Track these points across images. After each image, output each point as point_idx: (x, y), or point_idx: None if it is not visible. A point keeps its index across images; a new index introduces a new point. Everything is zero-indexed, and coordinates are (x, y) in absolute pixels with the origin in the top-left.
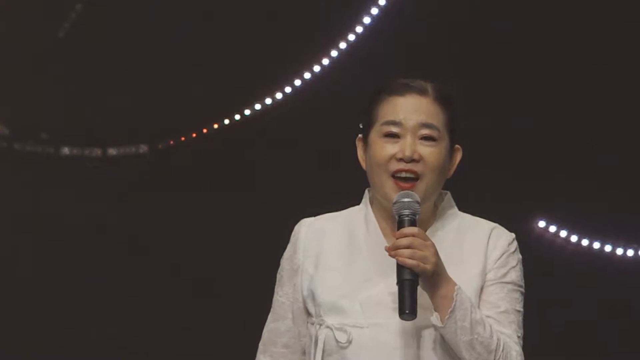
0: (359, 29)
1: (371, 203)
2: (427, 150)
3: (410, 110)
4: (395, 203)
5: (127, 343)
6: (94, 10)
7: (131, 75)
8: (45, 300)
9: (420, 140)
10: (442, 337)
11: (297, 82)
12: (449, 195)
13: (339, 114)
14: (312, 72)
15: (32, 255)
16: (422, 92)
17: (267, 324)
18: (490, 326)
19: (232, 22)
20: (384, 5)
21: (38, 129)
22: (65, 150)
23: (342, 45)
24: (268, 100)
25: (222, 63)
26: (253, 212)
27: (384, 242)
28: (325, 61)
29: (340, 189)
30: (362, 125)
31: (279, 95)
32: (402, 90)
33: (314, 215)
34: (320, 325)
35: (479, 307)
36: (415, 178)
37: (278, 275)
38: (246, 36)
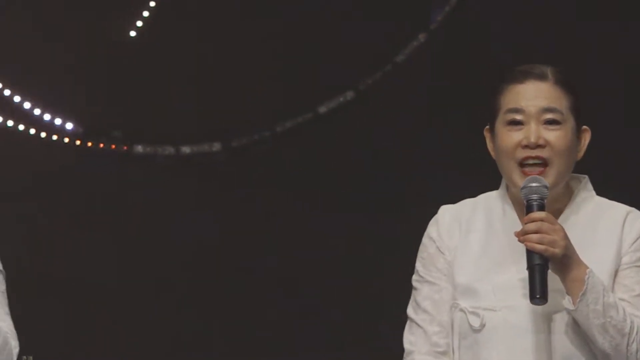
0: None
1: (507, 189)
2: (552, 135)
3: (531, 96)
4: (523, 188)
5: (203, 340)
6: (173, 7)
7: (205, 72)
8: (124, 297)
9: (544, 125)
10: (575, 321)
11: (371, 80)
12: (586, 179)
13: (413, 109)
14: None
15: (104, 253)
16: (541, 77)
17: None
18: (624, 309)
19: (306, 21)
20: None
21: (111, 126)
22: (139, 148)
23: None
24: (341, 98)
25: (296, 60)
26: (323, 212)
27: (519, 227)
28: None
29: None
30: (488, 116)
31: (350, 94)
32: (522, 77)
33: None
34: (455, 308)
35: (613, 290)
36: (544, 164)
37: (420, 257)
38: (319, 34)
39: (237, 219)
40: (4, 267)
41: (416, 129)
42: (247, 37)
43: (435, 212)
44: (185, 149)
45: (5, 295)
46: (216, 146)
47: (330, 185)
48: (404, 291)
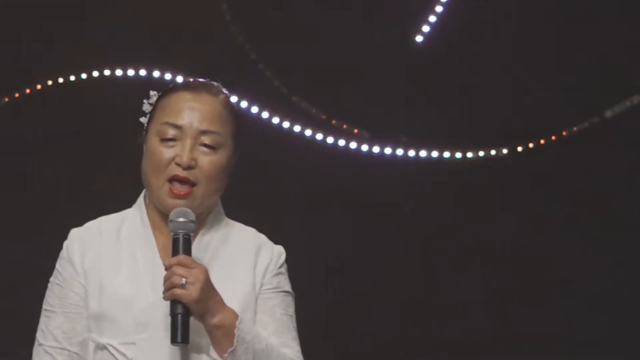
0: None
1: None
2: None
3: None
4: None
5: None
6: (458, 12)
7: (489, 77)
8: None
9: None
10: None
11: None
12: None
13: None
14: None
15: (385, 258)
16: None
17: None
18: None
19: (587, 23)
20: None
21: (398, 131)
22: (425, 154)
23: None
24: (627, 102)
25: (581, 63)
26: (610, 215)
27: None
28: None
29: None
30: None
31: (637, 99)
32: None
33: None
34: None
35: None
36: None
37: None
38: (603, 36)
39: (524, 224)
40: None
41: None
42: (530, 41)
43: None
44: (472, 154)
45: (293, 318)
46: (503, 151)
47: (618, 189)
48: None
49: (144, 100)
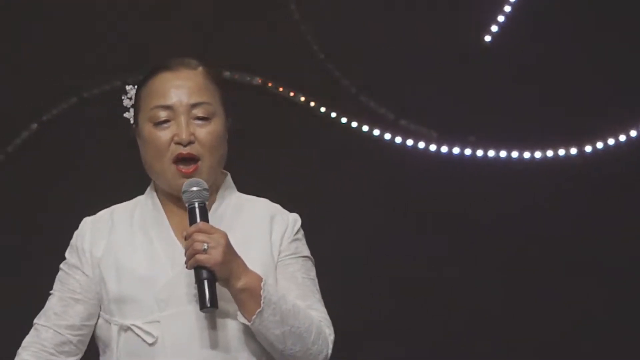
0: None
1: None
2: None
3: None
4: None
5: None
6: (527, 12)
7: (557, 77)
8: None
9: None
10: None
11: None
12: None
13: None
14: None
15: (452, 256)
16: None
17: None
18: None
19: None
20: None
21: (466, 131)
22: (493, 153)
23: None
24: None
25: None
26: None
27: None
28: None
29: None
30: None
31: None
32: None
33: None
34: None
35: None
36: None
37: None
38: None
39: (594, 224)
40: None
41: None
42: (598, 40)
43: None
44: (540, 154)
45: (315, 282)
46: (572, 151)
47: None
48: None
49: (123, 97)
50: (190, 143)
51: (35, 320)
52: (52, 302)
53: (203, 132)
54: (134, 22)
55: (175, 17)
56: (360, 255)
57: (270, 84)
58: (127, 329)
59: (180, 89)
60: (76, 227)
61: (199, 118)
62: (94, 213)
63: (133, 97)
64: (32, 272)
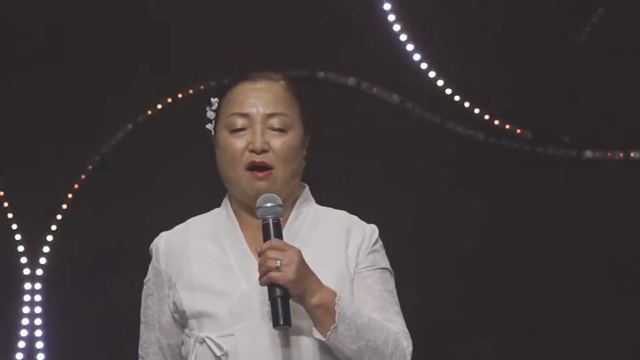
0: None
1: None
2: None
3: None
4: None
5: None
6: (623, 10)
7: None
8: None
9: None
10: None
11: None
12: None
13: None
14: None
15: (553, 260)
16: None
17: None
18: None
19: None
20: None
21: (561, 132)
22: (588, 154)
23: None
24: None
25: None
26: None
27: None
28: None
29: None
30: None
31: None
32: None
33: None
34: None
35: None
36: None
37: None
38: None
39: None
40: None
41: None
42: None
43: None
44: (636, 154)
45: (393, 293)
46: None
47: None
48: None
49: (207, 108)
50: (264, 152)
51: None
52: (141, 330)
53: (278, 142)
54: (228, 24)
55: (267, 17)
56: (463, 256)
57: (364, 84)
58: (202, 341)
59: (259, 98)
60: (165, 227)
61: (274, 129)
62: (184, 213)
63: (216, 108)
64: (124, 272)
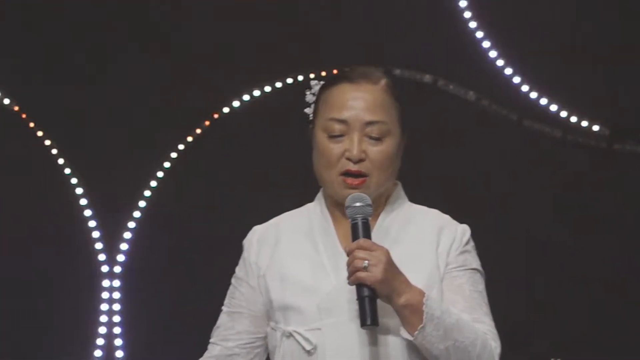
0: None
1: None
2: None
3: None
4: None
5: None
6: None
7: None
8: None
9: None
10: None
11: None
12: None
13: None
14: None
15: (623, 255)
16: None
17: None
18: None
19: None
20: None
21: (638, 129)
22: None
23: None
24: None
25: None
26: None
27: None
28: None
29: None
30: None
31: None
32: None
33: None
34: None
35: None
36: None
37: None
38: None
39: None
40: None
41: None
42: None
43: None
44: None
45: (483, 294)
46: None
47: None
48: None
49: (306, 91)
50: (360, 160)
51: (210, 339)
52: (222, 319)
53: (374, 150)
54: (312, 20)
55: (348, 15)
56: (534, 252)
57: (440, 82)
58: (289, 335)
59: (358, 104)
60: (251, 221)
61: (372, 137)
62: (272, 204)
63: (316, 93)
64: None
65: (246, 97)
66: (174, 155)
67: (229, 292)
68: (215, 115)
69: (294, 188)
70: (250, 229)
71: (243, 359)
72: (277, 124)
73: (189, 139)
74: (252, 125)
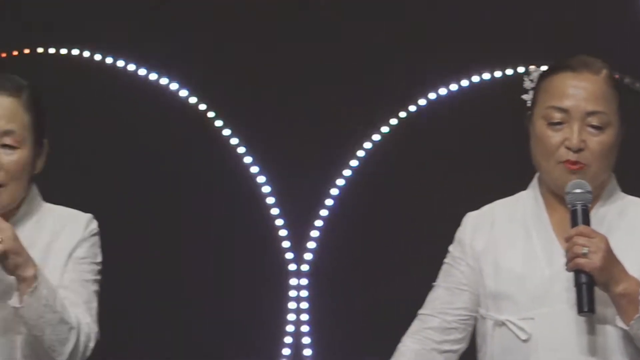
0: None
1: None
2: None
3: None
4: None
5: None
6: None
7: None
8: None
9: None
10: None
11: None
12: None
13: None
14: None
15: None
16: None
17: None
18: None
19: None
20: None
21: None
22: None
23: None
24: None
25: None
26: None
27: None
28: None
29: None
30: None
31: None
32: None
33: None
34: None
35: None
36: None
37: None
38: None
39: None
40: None
41: None
42: None
43: None
44: None
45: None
46: None
47: None
48: None
49: (524, 77)
50: (580, 150)
51: (419, 312)
52: (438, 293)
53: (594, 141)
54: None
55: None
56: None
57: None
58: (502, 324)
59: (579, 93)
60: (456, 217)
61: (592, 126)
62: (471, 201)
63: (535, 79)
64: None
65: (443, 91)
66: (360, 153)
67: (442, 270)
68: (412, 108)
69: (488, 186)
70: (444, 225)
71: (459, 334)
72: (473, 117)
73: (376, 137)
74: (445, 119)
